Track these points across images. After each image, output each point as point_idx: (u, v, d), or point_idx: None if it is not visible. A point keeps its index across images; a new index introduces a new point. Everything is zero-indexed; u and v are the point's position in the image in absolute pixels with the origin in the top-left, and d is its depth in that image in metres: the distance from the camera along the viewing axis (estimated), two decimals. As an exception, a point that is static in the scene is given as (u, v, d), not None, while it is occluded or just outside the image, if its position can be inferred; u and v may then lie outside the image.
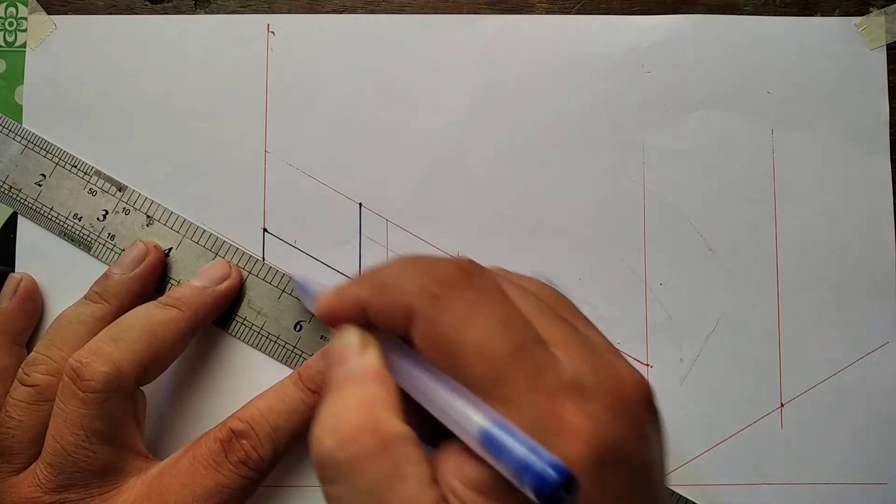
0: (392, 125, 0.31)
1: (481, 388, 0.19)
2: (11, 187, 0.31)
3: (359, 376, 0.20)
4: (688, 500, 0.30)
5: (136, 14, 0.32)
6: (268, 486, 0.29)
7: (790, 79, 0.32)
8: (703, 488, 0.30)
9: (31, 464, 0.26)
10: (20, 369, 0.27)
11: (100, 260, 0.31)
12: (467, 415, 0.18)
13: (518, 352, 0.19)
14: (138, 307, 0.28)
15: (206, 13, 0.32)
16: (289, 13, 0.32)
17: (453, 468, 0.19)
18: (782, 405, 0.31)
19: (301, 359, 0.30)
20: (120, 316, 0.28)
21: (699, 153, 0.31)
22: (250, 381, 0.30)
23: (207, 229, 0.31)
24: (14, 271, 0.31)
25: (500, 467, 0.17)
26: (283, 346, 0.30)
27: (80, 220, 0.31)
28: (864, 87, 0.32)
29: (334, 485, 0.19)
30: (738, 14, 0.32)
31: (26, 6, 0.31)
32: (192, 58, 0.31)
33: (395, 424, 0.19)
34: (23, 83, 0.31)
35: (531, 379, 0.18)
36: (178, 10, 0.32)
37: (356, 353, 0.21)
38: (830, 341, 0.31)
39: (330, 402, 0.20)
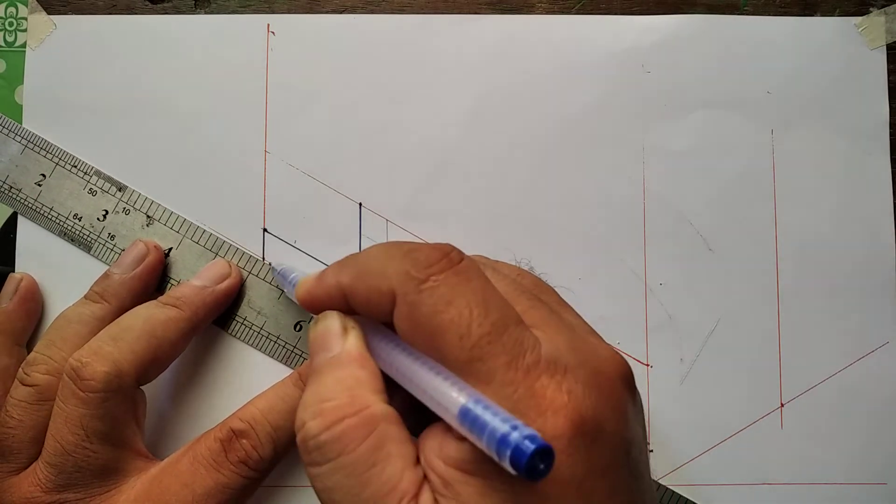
0: (392, 125, 0.31)
1: (461, 368, 0.19)
2: (11, 187, 0.31)
3: (341, 360, 0.21)
4: (688, 500, 0.30)
5: (136, 14, 0.32)
6: (268, 486, 0.29)
7: (790, 79, 0.32)
8: (703, 488, 0.30)
9: (32, 463, 0.26)
10: (20, 369, 0.27)
11: (100, 260, 0.31)
12: (447, 393, 0.18)
13: (497, 331, 0.19)
14: (138, 307, 0.28)
15: (206, 13, 0.32)
16: (289, 13, 0.32)
17: (435, 447, 0.19)
18: (782, 405, 0.31)
19: (301, 359, 0.30)
20: (120, 316, 0.28)
21: (699, 153, 0.31)
22: (250, 381, 0.30)
23: (207, 229, 0.31)
24: (14, 271, 0.31)
25: (479, 443, 0.17)
26: (283, 346, 0.30)
27: (80, 220, 0.31)
28: (864, 87, 0.32)
29: (319, 467, 0.19)
30: (738, 14, 0.32)
31: (26, 6, 0.32)
32: (192, 58, 0.31)
33: (378, 405, 0.19)
34: (23, 83, 0.31)
35: (510, 358, 0.18)
36: (178, 10, 0.32)
37: (337, 337, 0.21)
38: (830, 341, 0.31)
39: (313, 386, 0.20)
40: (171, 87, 0.31)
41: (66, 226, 0.31)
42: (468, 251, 0.30)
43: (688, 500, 0.30)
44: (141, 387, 0.27)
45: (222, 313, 0.30)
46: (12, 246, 0.31)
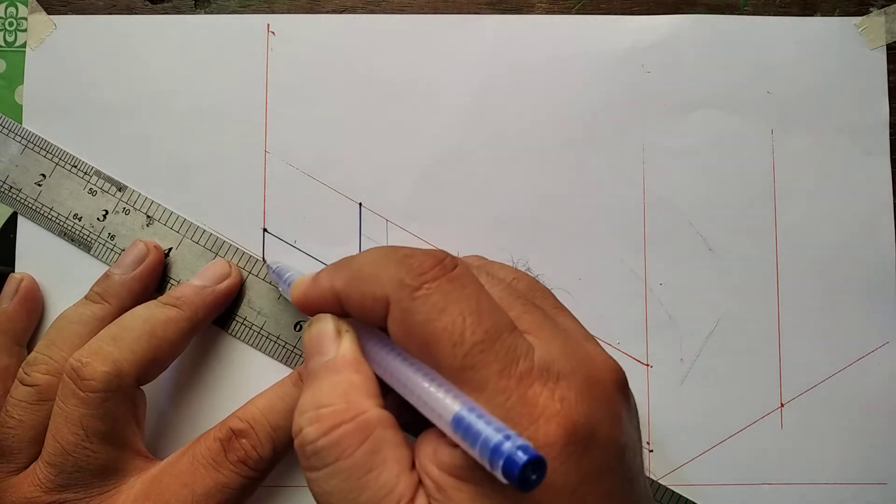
0: (392, 125, 0.31)
1: (455, 375, 0.19)
2: (11, 187, 0.31)
3: (336, 364, 0.21)
4: (688, 500, 0.30)
5: (136, 14, 0.32)
6: (268, 486, 0.29)
7: (790, 79, 0.32)
8: (703, 488, 0.30)
9: (32, 463, 0.26)
10: (21, 369, 0.27)
11: (100, 260, 0.31)
12: (440, 400, 0.19)
13: (490, 339, 0.19)
14: (138, 307, 0.28)
15: (206, 13, 0.32)
16: (289, 13, 0.32)
17: (429, 453, 0.19)
18: (782, 405, 0.31)
19: (301, 359, 0.30)
20: (120, 316, 0.28)
21: (699, 153, 0.31)
22: (250, 381, 0.30)
23: (207, 229, 0.31)
24: (14, 271, 0.31)
25: (472, 451, 0.17)
26: (283, 346, 0.30)
27: (80, 220, 0.31)
28: (864, 87, 0.32)
29: (317, 471, 0.19)
30: (738, 14, 0.32)
31: (26, 6, 0.32)
32: (192, 58, 0.31)
33: (373, 410, 0.20)
34: (23, 83, 0.31)
35: (503, 365, 0.19)
36: (178, 10, 0.32)
37: (331, 340, 0.22)
38: (830, 341, 0.31)
39: (309, 391, 0.21)
40: (171, 87, 0.31)
41: (66, 226, 0.31)
42: (467, 251, 0.30)
43: (688, 500, 0.30)
44: (141, 387, 0.27)
45: (222, 313, 0.30)
46: (12, 246, 0.31)
